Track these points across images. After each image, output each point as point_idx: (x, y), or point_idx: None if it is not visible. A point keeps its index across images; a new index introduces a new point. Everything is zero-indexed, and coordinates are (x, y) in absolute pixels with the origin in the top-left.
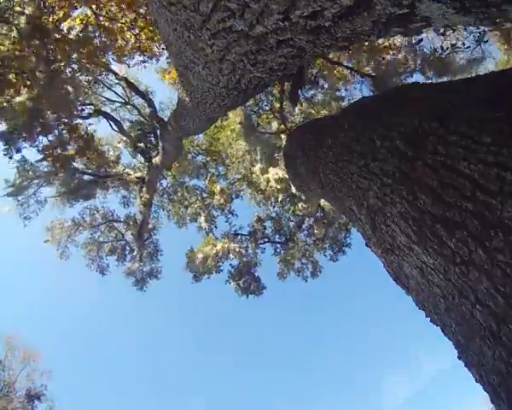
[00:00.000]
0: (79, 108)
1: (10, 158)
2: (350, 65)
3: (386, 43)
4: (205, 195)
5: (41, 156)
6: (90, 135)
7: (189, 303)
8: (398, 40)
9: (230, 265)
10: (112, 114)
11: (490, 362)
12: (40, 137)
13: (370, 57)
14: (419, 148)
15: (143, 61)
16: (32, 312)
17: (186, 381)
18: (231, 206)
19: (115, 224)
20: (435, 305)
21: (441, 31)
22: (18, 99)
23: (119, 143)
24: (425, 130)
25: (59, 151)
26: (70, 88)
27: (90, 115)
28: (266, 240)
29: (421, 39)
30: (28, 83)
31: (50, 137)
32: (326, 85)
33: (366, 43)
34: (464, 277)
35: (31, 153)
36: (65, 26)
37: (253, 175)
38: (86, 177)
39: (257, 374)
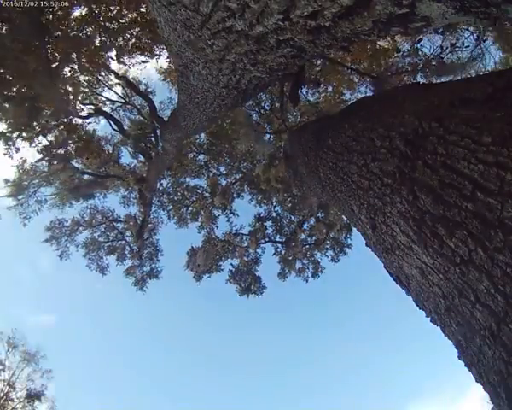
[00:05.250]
0: (79, 107)
1: (10, 158)
2: (351, 65)
3: (388, 46)
4: (206, 194)
5: (40, 156)
6: (90, 135)
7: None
8: (399, 41)
9: (231, 264)
10: (112, 113)
11: (490, 362)
12: (40, 137)
13: (373, 60)
14: (419, 148)
15: (144, 62)
16: (33, 311)
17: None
18: (232, 205)
19: (115, 223)
20: (435, 305)
21: (441, 30)
22: (17, 98)
23: (118, 142)
24: (425, 130)
25: (58, 151)
26: (69, 88)
27: (89, 115)
28: (267, 240)
29: (421, 39)
30: (28, 82)
31: (50, 137)
32: (329, 88)
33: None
34: (464, 277)
35: (31, 152)
36: (65, 25)
37: (254, 175)
38: (86, 176)
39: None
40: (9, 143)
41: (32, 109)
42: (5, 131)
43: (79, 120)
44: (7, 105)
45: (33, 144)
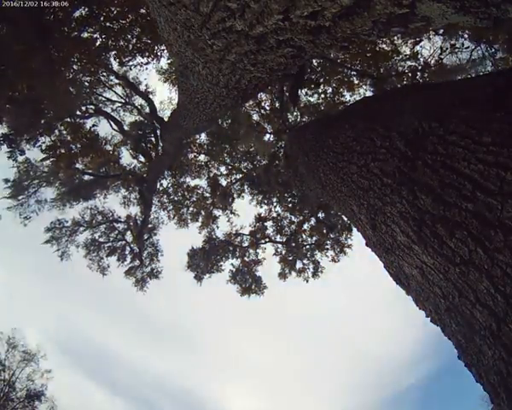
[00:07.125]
0: (81, 108)
1: (15, 161)
2: (351, 66)
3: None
4: (206, 194)
5: (44, 156)
6: (94, 134)
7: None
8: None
9: (232, 264)
10: (112, 114)
11: (490, 362)
12: (43, 138)
13: (373, 61)
14: (419, 148)
15: (145, 63)
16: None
17: None
18: (233, 205)
19: (115, 224)
20: (435, 305)
21: (441, 31)
22: (20, 99)
23: (119, 143)
24: (425, 130)
25: (62, 151)
26: (71, 88)
27: (90, 115)
28: (267, 240)
29: (422, 39)
30: (30, 83)
31: (53, 137)
32: (328, 89)
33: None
34: (464, 277)
35: (32, 152)
36: (66, 25)
37: (255, 175)
38: (86, 177)
39: None
40: (13, 145)
41: (35, 110)
42: (8, 133)
43: (82, 120)
44: (9, 106)
45: (37, 145)
